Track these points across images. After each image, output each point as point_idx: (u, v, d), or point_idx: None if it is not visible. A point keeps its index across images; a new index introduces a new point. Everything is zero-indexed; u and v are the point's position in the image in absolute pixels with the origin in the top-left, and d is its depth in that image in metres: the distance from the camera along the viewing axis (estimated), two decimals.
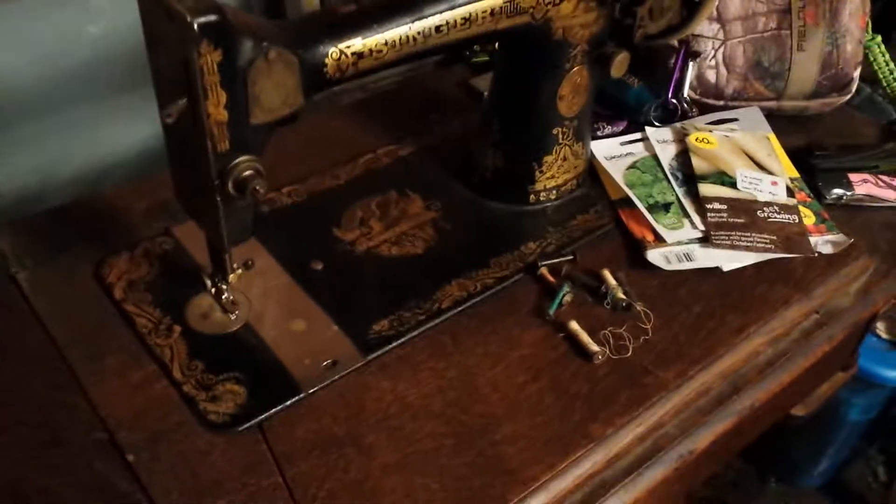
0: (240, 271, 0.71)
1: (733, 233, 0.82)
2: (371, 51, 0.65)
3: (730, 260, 0.81)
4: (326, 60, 0.62)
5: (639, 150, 0.93)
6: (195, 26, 0.52)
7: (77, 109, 0.97)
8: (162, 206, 0.81)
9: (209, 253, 0.70)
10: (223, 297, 0.71)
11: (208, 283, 0.71)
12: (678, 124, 0.96)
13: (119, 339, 0.70)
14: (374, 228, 0.82)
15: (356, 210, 0.84)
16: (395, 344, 0.71)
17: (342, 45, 0.63)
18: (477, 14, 0.69)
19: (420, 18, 0.66)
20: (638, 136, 0.95)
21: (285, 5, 1.08)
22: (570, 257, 0.81)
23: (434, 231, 0.83)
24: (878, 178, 0.94)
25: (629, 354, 0.73)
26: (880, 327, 1.42)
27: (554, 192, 0.87)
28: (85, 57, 0.94)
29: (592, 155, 0.91)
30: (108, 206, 0.83)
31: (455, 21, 0.68)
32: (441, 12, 0.67)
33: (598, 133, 0.96)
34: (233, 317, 0.71)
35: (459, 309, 0.75)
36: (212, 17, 0.53)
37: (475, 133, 0.89)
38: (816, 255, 0.83)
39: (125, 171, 1.03)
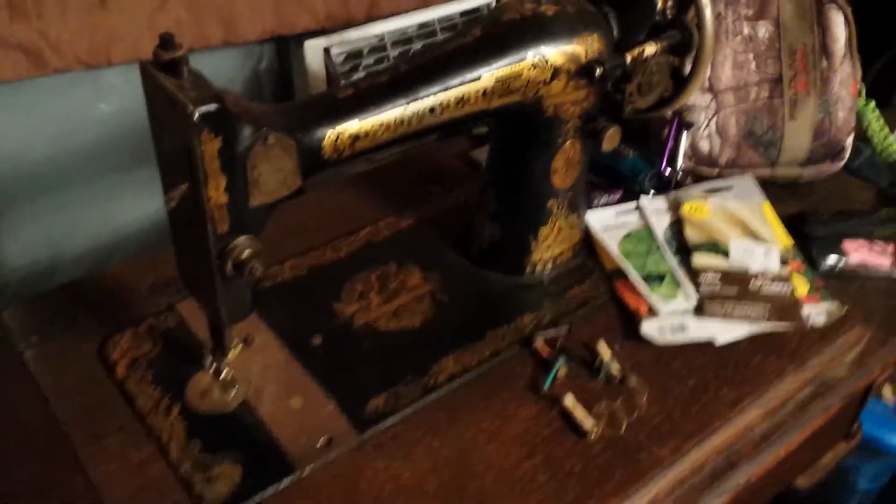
0: (239, 347, 0.72)
1: (726, 304, 0.83)
2: (367, 133, 0.67)
3: (724, 331, 0.82)
4: (324, 143, 0.65)
5: (634, 219, 0.95)
6: (196, 116, 0.54)
7: (88, 184, 1.00)
8: (167, 282, 0.83)
9: (209, 329, 0.71)
10: (222, 374, 0.72)
11: (208, 360, 0.72)
12: (672, 193, 0.97)
13: (120, 418, 0.71)
14: (373, 301, 0.84)
15: (356, 283, 0.86)
16: (390, 421, 0.72)
17: (339, 128, 0.65)
18: (470, 95, 0.71)
19: (415, 100, 0.69)
20: (633, 205, 0.96)
21: (294, 81, 1.12)
22: (566, 329, 0.82)
23: (432, 303, 0.84)
24: (873, 246, 0.95)
25: (623, 430, 0.73)
26: (886, 391, 1.41)
27: (550, 263, 0.88)
28: (96, 134, 0.97)
29: (588, 225, 0.93)
30: (115, 283, 0.84)
31: (448, 102, 0.70)
32: (435, 94, 0.69)
33: (594, 203, 0.98)
34: (231, 394, 0.72)
35: (455, 384, 0.76)
36: (212, 107, 0.55)
37: (474, 204, 0.91)
38: (810, 326, 0.84)
39: (134, 243, 1.05)
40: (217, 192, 0.58)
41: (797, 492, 1.25)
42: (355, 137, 0.66)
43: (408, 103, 0.68)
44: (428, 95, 0.69)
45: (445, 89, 0.69)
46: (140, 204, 1.03)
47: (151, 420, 0.70)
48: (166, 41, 0.54)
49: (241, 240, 0.61)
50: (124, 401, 0.72)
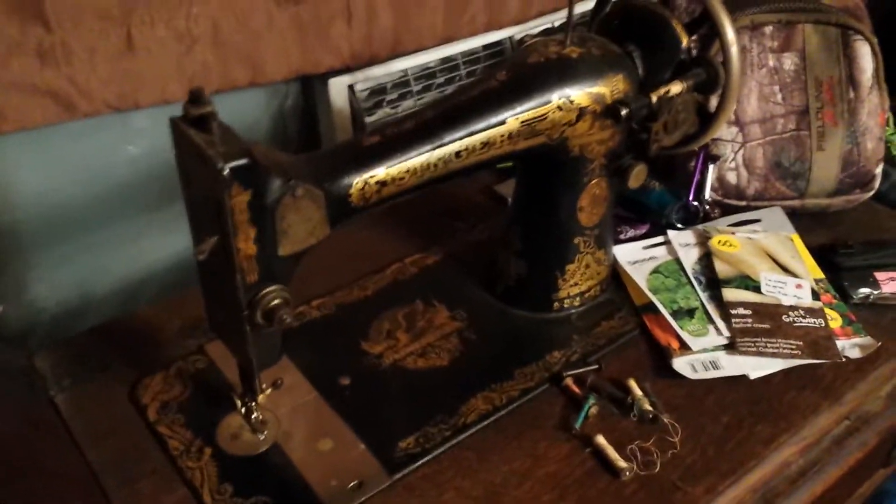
0: (269, 391, 0.72)
1: (759, 339, 0.82)
2: (394, 179, 0.67)
3: (756, 367, 0.81)
4: (351, 191, 0.65)
5: (662, 253, 0.94)
6: (226, 171, 0.55)
7: (116, 225, 1.01)
8: (195, 324, 0.83)
9: (239, 373, 0.71)
10: (252, 416, 0.72)
11: (238, 403, 0.72)
12: (700, 227, 0.97)
13: (152, 461, 0.71)
14: (401, 340, 0.84)
15: (383, 322, 0.86)
16: (420, 462, 0.72)
17: (366, 176, 0.66)
18: (495, 139, 0.71)
19: (440, 146, 0.69)
20: (660, 239, 0.96)
21: (319, 118, 1.13)
22: (595, 366, 0.82)
23: (459, 342, 0.84)
24: None
25: (657, 469, 0.73)
26: None
27: (578, 298, 0.88)
28: (124, 175, 0.99)
29: (615, 259, 0.92)
30: (144, 325, 0.85)
31: (474, 146, 0.71)
32: (460, 139, 0.70)
33: (621, 236, 0.98)
34: (261, 437, 0.73)
35: (485, 423, 0.76)
36: (242, 161, 0.56)
37: (499, 239, 0.91)
38: (844, 359, 0.83)
39: (162, 283, 1.06)
40: (246, 243, 0.58)
41: None
42: (382, 184, 0.66)
43: (433, 149, 0.68)
44: (453, 141, 0.69)
45: (471, 134, 0.70)
46: (168, 242, 1.04)
47: (183, 463, 0.71)
48: (196, 96, 0.55)
49: (271, 289, 0.61)
50: (156, 444, 0.73)
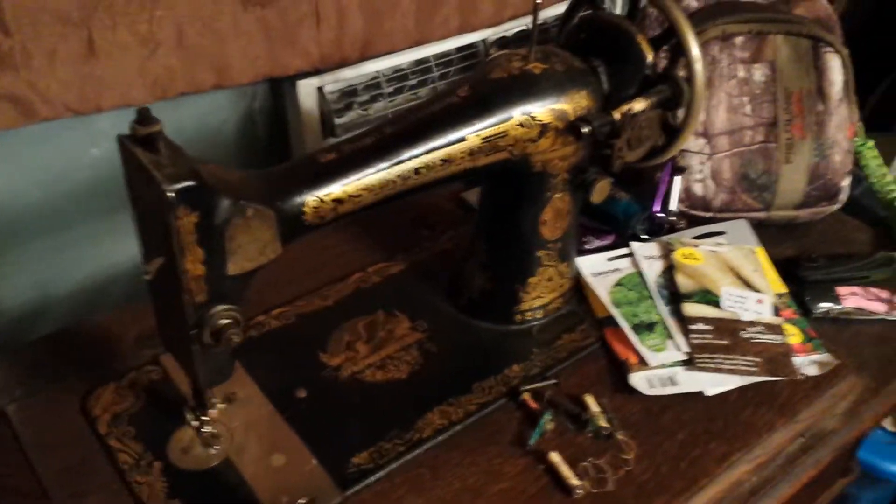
0: (221, 406, 0.72)
1: (717, 355, 0.83)
2: (350, 196, 0.67)
3: (713, 384, 0.81)
4: (304, 209, 0.64)
5: (625, 265, 0.94)
6: (171, 194, 0.54)
7: (78, 228, 1.00)
8: (152, 334, 0.81)
9: (191, 387, 0.71)
10: (204, 430, 0.72)
11: (189, 416, 0.72)
12: (665, 238, 0.97)
13: (101, 475, 0.71)
14: (360, 352, 0.83)
15: (343, 332, 0.85)
16: (373, 478, 0.72)
17: (321, 193, 0.65)
18: (455, 155, 0.71)
19: (399, 163, 0.68)
20: (625, 251, 0.96)
21: (288, 120, 1.11)
22: (554, 381, 0.82)
23: (419, 354, 0.84)
24: (868, 291, 0.94)
25: (610, 488, 0.73)
26: (886, 421, 1.40)
27: (540, 311, 0.88)
28: (86, 177, 0.97)
29: (579, 271, 0.92)
30: (101, 333, 0.84)
31: (433, 163, 0.70)
32: (419, 156, 0.69)
33: (586, 247, 0.97)
34: (213, 451, 0.72)
35: (440, 438, 0.76)
36: (188, 183, 0.55)
37: (465, 248, 0.90)
38: (801, 377, 0.83)
39: (123, 286, 1.05)
40: (194, 264, 0.58)
41: None
42: (338, 202, 0.66)
43: (391, 166, 0.68)
44: (412, 157, 0.69)
45: (430, 151, 0.69)
46: (131, 245, 1.02)
47: (132, 478, 0.70)
48: (143, 115, 0.54)
49: (220, 309, 0.61)
50: (106, 457, 0.72)
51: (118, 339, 0.83)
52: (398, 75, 1.14)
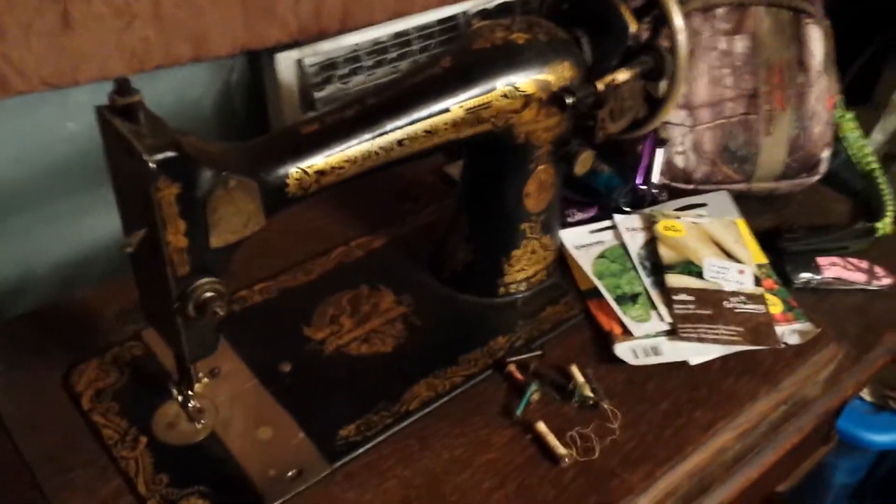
0: (206, 380, 0.71)
1: (700, 325, 0.83)
2: (333, 168, 0.66)
3: (697, 353, 0.82)
4: (288, 181, 0.64)
5: (608, 238, 0.94)
6: (152, 164, 0.53)
7: (56, 203, 0.98)
8: (134, 309, 0.81)
9: (175, 362, 0.70)
10: (189, 405, 0.71)
11: (174, 391, 0.71)
12: (647, 210, 0.97)
13: (87, 451, 0.70)
14: (345, 326, 0.83)
15: (327, 307, 0.85)
16: (361, 450, 0.72)
17: (304, 165, 0.64)
18: (439, 126, 0.70)
19: (382, 134, 0.68)
20: (607, 223, 0.96)
21: (267, 93, 1.10)
22: (539, 353, 0.82)
23: (404, 327, 0.84)
24: (847, 261, 0.95)
25: (596, 456, 0.73)
26: (864, 390, 1.42)
27: (524, 283, 0.88)
28: (64, 152, 0.96)
29: (562, 244, 0.92)
30: (82, 309, 0.83)
31: (417, 134, 0.69)
32: (402, 127, 0.69)
33: (569, 219, 0.97)
34: (199, 426, 0.72)
35: (427, 410, 0.76)
36: (169, 154, 0.54)
37: (448, 224, 0.90)
38: (784, 345, 0.84)
39: (104, 261, 1.04)
40: (176, 236, 0.57)
41: (776, 493, 1.26)
42: (321, 173, 0.65)
43: (374, 137, 0.67)
44: (396, 129, 0.68)
45: (413, 122, 0.69)
46: (111, 220, 1.00)
47: (118, 453, 0.70)
48: (122, 86, 0.53)
49: (203, 281, 0.60)
50: (90, 433, 0.72)
51: (100, 315, 0.82)
52: (378, 48, 1.13)
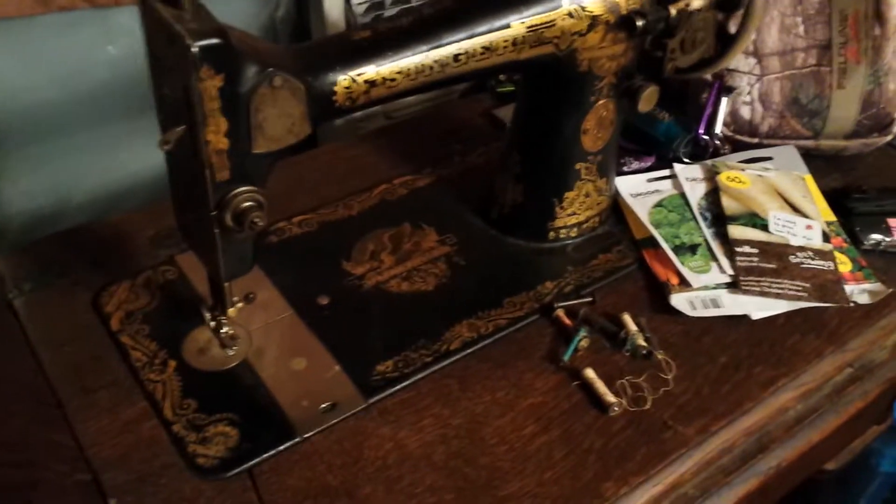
0: (240, 305, 0.68)
1: (764, 279, 0.78)
2: (384, 79, 0.62)
3: (759, 308, 0.77)
4: (336, 88, 0.60)
5: (666, 187, 0.89)
6: (195, 49, 0.50)
7: (95, 130, 0.96)
8: (169, 234, 0.78)
9: (209, 285, 0.67)
10: (222, 331, 0.68)
11: (207, 316, 0.68)
12: (709, 162, 0.92)
13: (112, 372, 0.67)
14: (385, 262, 0.79)
15: (367, 243, 0.81)
16: (398, 387, 0.68)
17: (353, 73, 0.60)
18: (498, 44, 0.66)
19: (437, 47, 0.63)
20: (666, 172, 0.91)
21: (311, 31, 1.06)
22: (589, 299, 0.77)
23: (447, 267, 0.79)
24: None
25: (648, 407, 0.69)
26: None
27: (575, 229, 0.83)
28: (104, 77, 0.93)
29: (617, 191, 0.87)
30: (115, 232, 0.80)
31: (474, 50, 0.65)
32: (459, 41, 0.64)
33: (625, 168, 0.92)
34: (231, 352, 0.68)
35: (469, 351, 0.72)
36: (213, 41, 0.51)
37: (496, 165, 0.86)
38: (852, 304, 0.78)
39: (142, 193, 1.02)
40: (217, 136, 0.53)
41: (822, 473, 1.21)
42: (371, 84, 0.61)
43: (429, 50, 0.63)
44: (452, 42, 0.63)
45: (471, 36, 0.64)
46: (148, 152, 0.97)
47: (145, 375, 0.67)
48: None
49: (242, 189, 0.56)
50: (118, 354, 0.69)
51: (133, 239, 0.79)
52: None
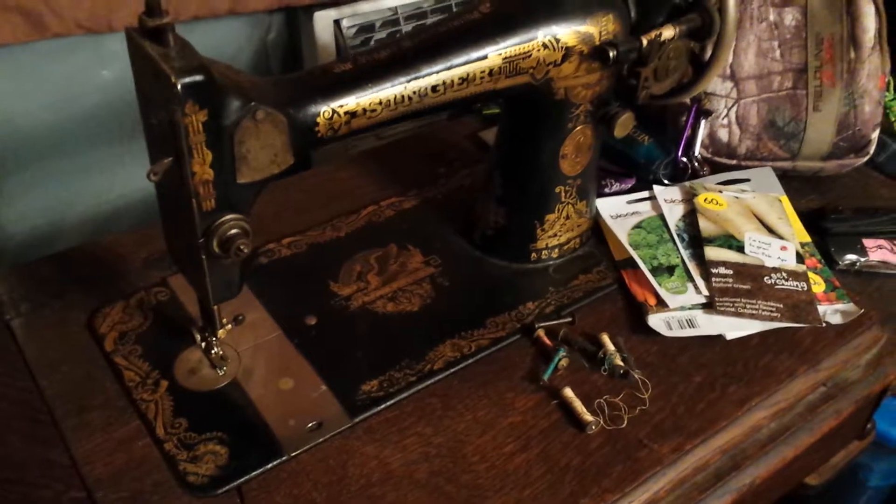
0: (229, 326, 0.70)
1: (738, 299, 0.80)
2: (365, 110, 0.64)
3: (734, 328, 0.79)
4: (318, 119, 0.62)
5: (646, 209, 0.91)
6: (179, 87, 0.52)
7: (89, 153, 0.98)
8: (161, 256, 0.81)
9: (199, 306, 0.69)
10: (212, 351, 0.70)
11: (198, 336, 0.70)
12: (687, 183, 0.94)
13: (106, 392, 0.69)
14: (372, 283, 0.81)
15: (355, 264, 0.83)
16: (383, 406, 0.70)
17: (335, 105, 0.63)
18: (475, 74, 0.68)
19: (416, 78, 0.66)
20: (645, 194, 0.93)
21: (303, 53, 1.09)
22: (569, 319, 0.80)
23: (432, 287, 0.82)
24: (894, 244, 0.91)
25: (624, 425, 0.71)
26: None
27: (556, 250, 0.86)
28: (97, 101, 0.95)
29: (598, 213, 0.90)
30: (110, 254, 0.83)
31: (452, 81, 0.68)
32: (438, 72, 0.67)
33: (606, 190, 0.95)
34: (220, 372, 0.71)
35: (451, 371, 0.74)
36: (197, 77, 0.53)
37: (480, 186, 0.88)
38: (825, 324, 0.81)
39: (135, 214, 1.04)
40: (202, 167, 0.56)
41: (807, 488, 1.23)
42: (352, 115, 0.63)
43: (408, 81, 0.65)
44: (430, 74, 0.66)
45: (449, 68, 0.67)
46: (141, 173, 1.00)
47: (138, 395, 0.69)
48: (151, 7, 0.52)
49: (228, 218, 0.59)
50: (111, 374, 0.71)
51: (126, 261, 0.82)
52: (417, 13, 1.12)
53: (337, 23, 1.05)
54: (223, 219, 0.59)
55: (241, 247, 0.59)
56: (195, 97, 0.53)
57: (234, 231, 0.59)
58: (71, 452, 0.65)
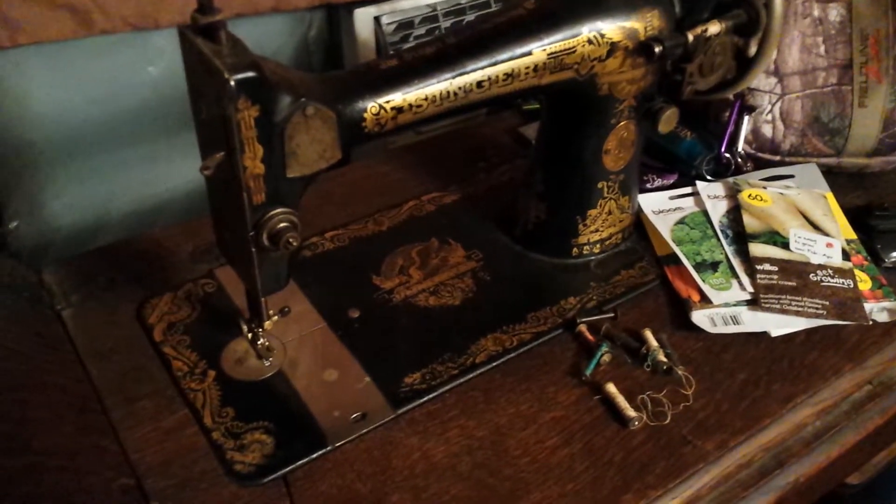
0: (276, 318, 0.71)
1: (783, 296, 0.80)
2: (411, 105, 0.65)
3: (779, 325, 0.78)
4: (365, 115, 0.63)
5: (688, 204, 0.91)
6: (232, 83, 0.53)
7: (135, 147, 1.00)
8: (208, 248, 0.82)
9: (247, 299, 0.70)
10: (259, 342, 0.71)
11: (245, 328, 0.71)
12: (731, 179, 0.93)
13: (155, 381, 0.71)
14: (414, 277, 0.82)
15: (397, 257, 0.84)
16: (425, 398, 0.71)
17: (381, 100, 0.63)
18: (520, 70, 0.68)
19: (461, 74, 0.66)
20: (688, 190, 0.93)
21: (343, 50, 1.10)
22: (611, 315, 0.79)
23: (473, 282, 0.82)
24: None
25: (668, 421, 0.71)
26: None
27: (598, 245, 0.85)
28: (144, 96, 0.97)
29: (640, 208, 0.90)
30: (157, 246, 0.84)
31: (497, 77, 0.68)
32: (483, 68, 0.67)
33: (647, 186, 0.94)
34: (267, 363, 0.72)
35: (493, 364, 0.74)
36: (249, 74, 0.54)
37: (521, 182, 0.88)
38: (871, 322, 0.80)
39: (179, 208, 1.05)
40: (253, 162, 0.56)
41: (847, 487, 1.21)
42: (398, 110, 0.64)
43: (454, 77, 0.65)
44: (475, 69, 0.66)
45: (494, 64, 0.67)
46: (186, 167, 1.02)
47: (186, 385, 0.70)
48: (204, 5, 0.53)
49: (277, 211, 0.60)
50: (160, 364, 0.72)
51: (174, 253, 0.83)
52: (456, 9, 1.12)
53: (377, 19, 1.05)
54: (273, 212, 0.60)
55: (291, 240, 0.60)
56: (247, 93, 0.54)
57: (283, 224, 0.60)
58: (121, 441, 0.66)
